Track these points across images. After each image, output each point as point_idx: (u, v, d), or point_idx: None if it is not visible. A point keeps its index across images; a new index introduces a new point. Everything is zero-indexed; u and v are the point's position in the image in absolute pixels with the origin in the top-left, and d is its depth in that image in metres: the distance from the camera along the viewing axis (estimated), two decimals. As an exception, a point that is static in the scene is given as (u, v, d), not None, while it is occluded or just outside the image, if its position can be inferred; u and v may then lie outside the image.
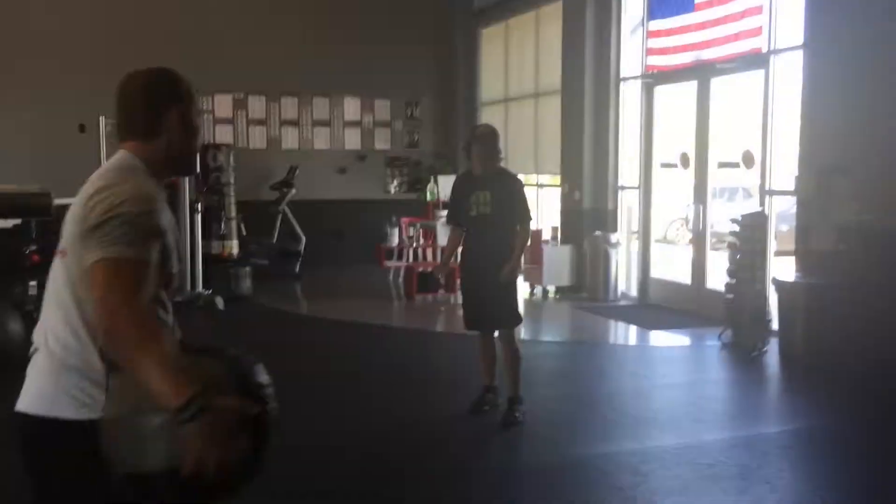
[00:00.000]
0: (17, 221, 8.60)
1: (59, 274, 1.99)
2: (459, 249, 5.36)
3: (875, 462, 4.49)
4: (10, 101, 10.94)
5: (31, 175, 9.45)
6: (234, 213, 10.65)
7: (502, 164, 5.28)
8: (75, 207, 1.97)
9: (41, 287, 8.67)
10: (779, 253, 8.29)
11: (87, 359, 1.91)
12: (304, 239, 11.40)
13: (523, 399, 5.11)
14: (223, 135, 12.07)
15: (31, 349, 2.02)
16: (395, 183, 13.11)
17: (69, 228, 1.96)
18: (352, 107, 12.83)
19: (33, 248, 9.32)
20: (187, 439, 1.71)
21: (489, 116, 12.73)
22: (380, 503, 3.96)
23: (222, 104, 12.23)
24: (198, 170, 1.99)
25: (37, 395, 1.96)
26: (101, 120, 9.02)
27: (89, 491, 1.88)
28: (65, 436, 1.90)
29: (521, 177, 10.42)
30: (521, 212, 5.10)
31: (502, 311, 5.09)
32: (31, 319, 7.81)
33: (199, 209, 9.37)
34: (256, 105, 12.42)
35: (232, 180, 10.74)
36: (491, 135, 5.12)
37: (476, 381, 5.32)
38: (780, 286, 6.95)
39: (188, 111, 2.10)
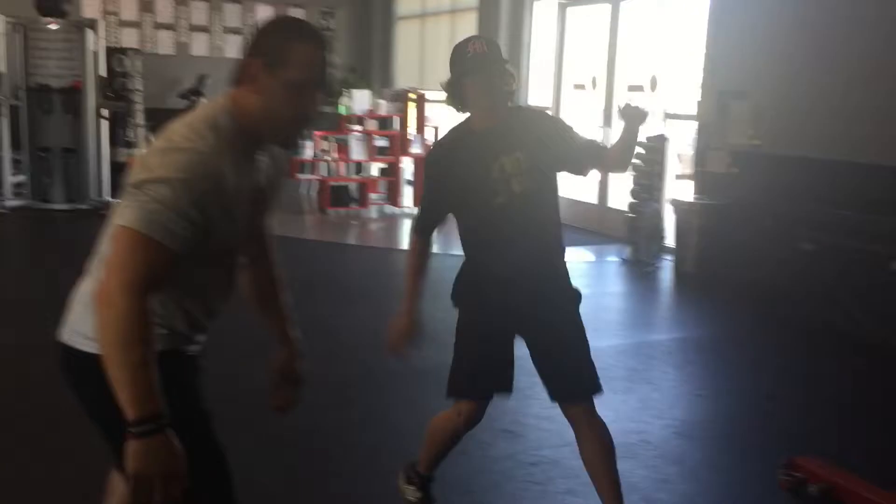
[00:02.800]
0: None
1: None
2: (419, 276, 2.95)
3: (747, 366, 4.94)
4: None
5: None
6: (141, 121, 10.39)
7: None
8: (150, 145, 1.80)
9: None
10: (682, 176, 8.66)
11: None
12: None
13: None
14: (129, 39, 11.65)
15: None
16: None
17: (141, 155, 1.82)
18: (265, 14, 12.51)
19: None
20: (129, 455, 1.63)
21: (405, 31, 12.66)
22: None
23: (127, 6, 11.76)
24: (297, 144, 1.82)
25: (67, 324, 1.90)
26: (0, 19, 8.63)
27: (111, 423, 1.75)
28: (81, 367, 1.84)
29: (432, 95, 10.54)
30: (587, 151, 2.82)
31: (577, 360, 2.78)
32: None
33: (105, 115, 9.12)
34: (164, 8, 11.99)
35: (139, 86, 10.44)
36: (493, 50, 2.71)
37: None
38: (677, 206, 7.33)
39: (286, 73, 1.76)
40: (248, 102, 1.80)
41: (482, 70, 2.66)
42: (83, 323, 1.81)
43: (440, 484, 3.29)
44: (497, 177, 2.67)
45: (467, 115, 2.77)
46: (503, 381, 2.85)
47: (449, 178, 2.77)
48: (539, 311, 2.75)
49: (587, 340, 2.80)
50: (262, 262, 2.17)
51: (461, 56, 2.70)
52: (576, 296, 2.84)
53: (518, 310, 2.74)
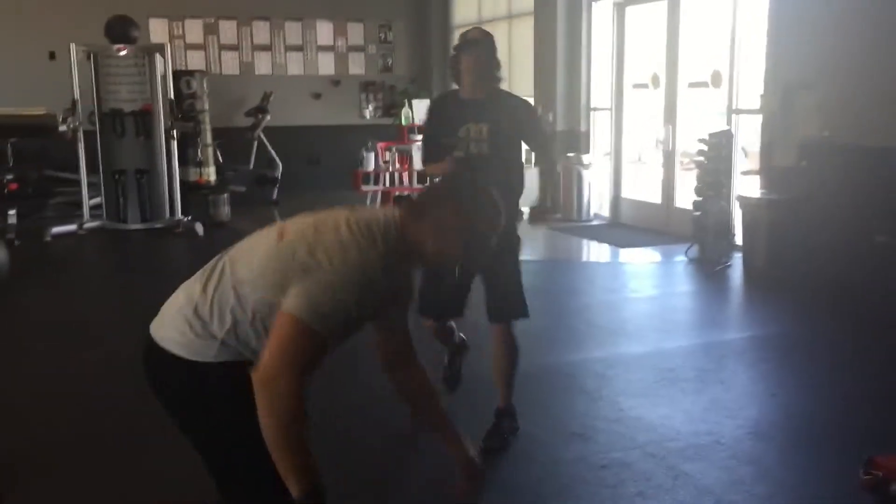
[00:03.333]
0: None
1: (259, 246, 2.04)
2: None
3: (823, 363, 4.80)
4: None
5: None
6: (209, 140, 10.68)
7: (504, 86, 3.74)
8: (317, 226, 1.98)
9: (20, 215, 8.80)
10: (748, 172, 8.50)
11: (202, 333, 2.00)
12: (280, 165, 11.47)
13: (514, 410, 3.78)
14: (195, 61, 11.99)
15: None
16: (370, 108, 13.12)
17: (306, 233, 1.97)
18: (325, 31, 12.74)
19: (10, 176, 9.38)
20: None
21: (463, 39, 12.71)
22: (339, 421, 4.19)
23: (193, 29, 12.10)
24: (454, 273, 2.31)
25: (160, 323, 2.12)
26: (72, 47, 8.97)
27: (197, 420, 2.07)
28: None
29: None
30: (541, 146, 3.92)
31: (507, 292, 3.62)
32: (12, 246, 7.95)
33: (175, 136, 9.41)
34: (228, 30, 12.30)
35: (206, 107, 10.74)
36: (486, 40, 3.59)
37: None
38: (744, 202, 7.19)
39: (467, 219, 2.00)
40: (424, 237, 2.01)
41: (473, 50, 3.53)
42: (171, 328, 2.05)
43: (508, 489, 3.31)
44: (464, 134, 3.54)
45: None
46: (453, 310, 3.82)
47: (435, 124, 3.72)
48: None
49: (520, 276, 3.66)
50: (409, 361, 2.29)
51: (462, 39, 3.61)
52: (517, 241, 3.63)
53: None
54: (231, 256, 2.10)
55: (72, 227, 9.02)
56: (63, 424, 3.97)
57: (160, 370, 2.08)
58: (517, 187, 3.66)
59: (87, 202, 9.32)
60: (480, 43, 3.56)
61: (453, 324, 4.07)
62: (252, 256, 2.04)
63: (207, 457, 2.10)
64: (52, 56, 10.09)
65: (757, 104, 7.63)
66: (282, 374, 1.82)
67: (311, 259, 1.90)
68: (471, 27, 3.71)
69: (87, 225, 9.13)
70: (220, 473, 2.10)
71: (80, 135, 9.04)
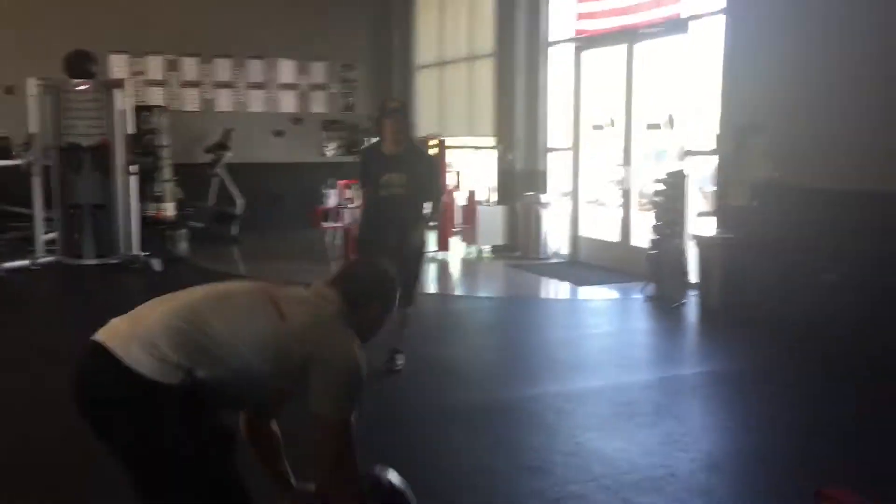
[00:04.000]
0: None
1: (258, 316, 2.33)
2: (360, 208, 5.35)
3: (774, 398, 4.88)
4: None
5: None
6: (168, 176, 10.61)
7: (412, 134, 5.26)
8: (306, 311, 2.40)
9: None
10: (704, 213, 8.65)
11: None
12: (241, 201, 11.43)
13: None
14: (156, 97, 11.96)
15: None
16: (332, 146, 13.17)
17: (300, 319, 2.35)
18: (287, 69, 12.81)
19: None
20: None
21: (424, 79, 12.88)
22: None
23: (153, 66, 12.09)
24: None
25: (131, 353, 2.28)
26: (29, 82, 8.91)
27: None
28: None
29: (452, 140, 10.73)
30: (436, 191, 5.28)
31: (410, 275, 4.96)
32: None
33: (133, 171, 9.34)
34: (189, 67, 12.31)
35: (165, 142, 10.68)
36: (403, 108, 5.10)
37: (423, 340, 5.49)
38: (699, 241, 7.34)
39: (386, 312, 2.65)
40: (369, 320, 2.59)
41: (393, 115, 4.89)
42: (136, 347, 2.21)
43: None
44: (385, 181, 4.90)
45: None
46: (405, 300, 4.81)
47: (365, 167, 5.15)
48: (401, 237, 4.89)
49: (421, 274, 5.32)
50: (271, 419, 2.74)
51: (383, 107, 5.02)
52: (423, 244, 5.27)
53: (389, 233, 4.86)
54: (209, 306, 2.32)
55: (24, 263, 8.87)
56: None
57: (111, 379, 2.21)
58: (421, 212, 5.13)
59: (41, 236, 9.17)
60: (399, 111, 4.95)
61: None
62: (241, 323, 2.30)
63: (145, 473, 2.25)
64: (9, 90, 10.00)
65: (712, 146, 7.82)
66: (350, 468, 2.39)
67: (324, 363, 2.33)
68: (390, 99, 5.25)
69: (41, 260, 8.98)
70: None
71: (37, 168, 8.93)
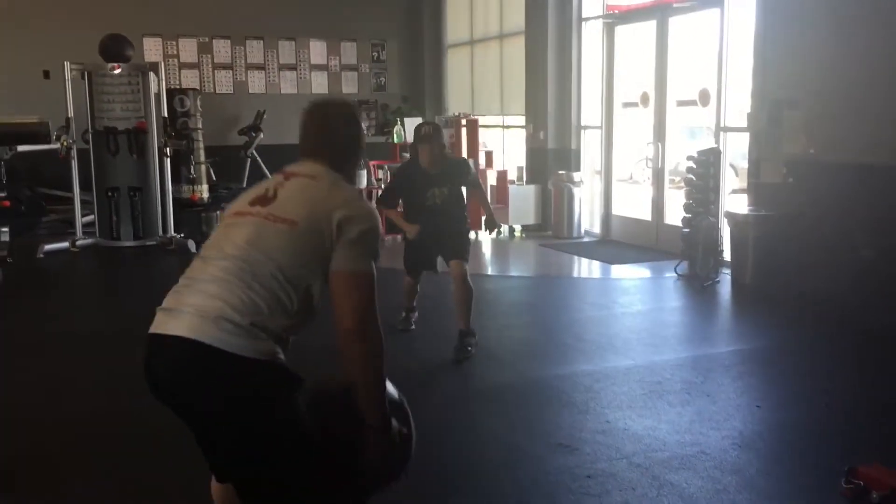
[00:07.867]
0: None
1: (275, 237, 2.27)
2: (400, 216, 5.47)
3: (806, 376, 4.85)
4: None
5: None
6: (202, 158, 10.74)
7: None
8: (317, 196, 2.38)
9: (14, 233, 8.82)
10: (737, 190, 8.55)
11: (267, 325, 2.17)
12: (273, 183, 11.50)
13: (474, 331, 5.33)
14: (189, 79, 12.08)
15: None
16: (364, 126, 13.18)
17: (309, 209, 2.32)
18: (318, 50, 12.85)
19: (2, 194, 9.41)
20: (371, 446, 2.22)
21: (455, 58, 12.84)
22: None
23: (187, 48, 12.20)
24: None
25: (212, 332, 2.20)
26: (66, 66, 9.05)
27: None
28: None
29: (483, 119, 10.67)
30: (474, 183, 5.81)
31: (462, 246, 5.42)
32: (4, 263, 7.97)
33: (168, 154, 9.46)
34: (221, 49, 12.40)
35: (199, 125, 10.80)
36: (437, 133, 5.32)
37: (453, 319, 5.46)
38: (732, 218, 7.26)
39: (362, 148, 2.68)
40: (355, 166, 2.69)
41: (427, 143, 5.24)
42: (220, 328, 2.13)
43: (493, 498, 3.34)
44: (430, 195, 5.35)
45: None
46: (425, 266, 5.65)
47: (403, 184, 5.52)
48: (447, 237, 5.39)
49: (469, 245, 5.53)
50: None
51: (417, 133, 5.36)
52: (468, 238, 5.63)
53: (434, 241, 5.40)
54: (252, 246, 2.26)
55: (64, 245, 9.05)
56: (56, 434, 3.99)
57: (217, 372, 2.13)
58: (463, 218, 5.58)
59: (80, 219, 9.35)
60: (432, 136, 5.25)
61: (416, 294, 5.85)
62: (272, 241, 2.27)
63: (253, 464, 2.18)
64: (46, 75, 10.16)
65: (744, 122, 7.72)
66: (370, 321, 2.20)
67: (340, 229, 2.26)
68: (423, 125, 5.50)
69: (80, 242, 9.16)
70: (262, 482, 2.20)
71: (74, 152, 9.09)
